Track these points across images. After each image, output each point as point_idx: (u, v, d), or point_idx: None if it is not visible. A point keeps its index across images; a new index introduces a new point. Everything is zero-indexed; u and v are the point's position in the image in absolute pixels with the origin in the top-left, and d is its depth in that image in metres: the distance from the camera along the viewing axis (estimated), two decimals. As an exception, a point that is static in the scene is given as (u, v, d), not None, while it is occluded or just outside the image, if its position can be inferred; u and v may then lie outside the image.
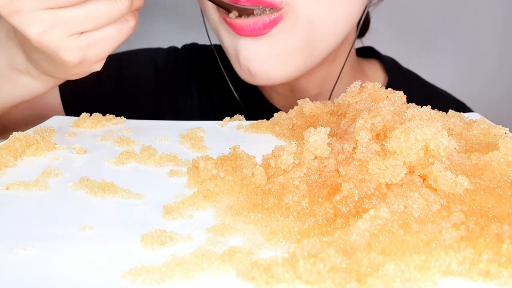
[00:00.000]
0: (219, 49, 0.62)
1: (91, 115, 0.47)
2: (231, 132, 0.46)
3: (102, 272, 0.23)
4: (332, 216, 0.27)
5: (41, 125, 0.45)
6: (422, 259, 0.23)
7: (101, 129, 0.46)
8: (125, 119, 0.48)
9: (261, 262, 0.22)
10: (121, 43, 0.41)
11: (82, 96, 0.65)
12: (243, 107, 0.62)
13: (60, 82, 0.46)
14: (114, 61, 0.68)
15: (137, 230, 0.26)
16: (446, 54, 0.92)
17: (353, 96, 0.41)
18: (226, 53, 0.52)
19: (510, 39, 0.91)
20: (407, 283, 0.21)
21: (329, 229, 0.26)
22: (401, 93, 0.40)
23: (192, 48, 0.70)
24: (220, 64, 0.60)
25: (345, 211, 0.27)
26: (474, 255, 0.23)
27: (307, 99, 0.44)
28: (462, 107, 0.64)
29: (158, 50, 0.70)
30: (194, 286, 0.22)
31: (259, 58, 0.46)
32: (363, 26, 0.58)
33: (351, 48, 0.58)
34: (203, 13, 0.54)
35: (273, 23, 0.45)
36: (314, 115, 0.43)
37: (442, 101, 0.64)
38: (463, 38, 0.91)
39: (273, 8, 0.45)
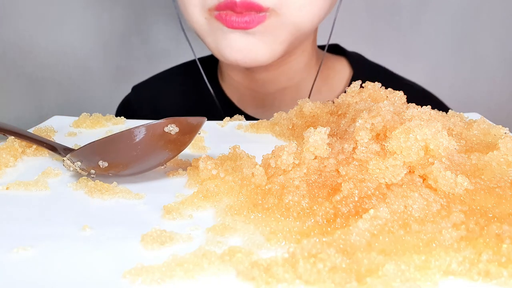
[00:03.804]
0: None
1: (91, 115, 0.47)
2: (231, 132, 0.46)
3: (102, 272, 0.23)
4: (332, 216, 0.27)
5: (41, 125, 0.45)
6: (422, 259, 0.23)
7: (101, 129, 0.46)
8: (125, 119, 0.48)
9: (261, 262, 0.22)
10: None
11: None
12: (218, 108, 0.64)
13: None
14: None
15: (137, 230, 0.26)
16: (446, 54, 0.92)
17: (353, 96, 0.41)
18: (210, 46, 0.54)
19: (510, 39, 0.91)
20: (407, 283, 0.21)
21: (329, 229, 0.26)
22: (401, 93, 0.40)
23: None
24: (198, 63, 0.63)
25: (345, 211, 0.27)
26: (474, 255, 0.23)
27: (307, 98, 0.44)
28: (430, 98, 0.65)
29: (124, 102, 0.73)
30: (194, 286, 0.22)
31: (246, 49, 0.51)
32: None
33: (315, 36, 0.62)
34: (181, 15, 0.56)
35: (258, 21, 0.49)
36: (314, 115, 0.43)
37: (409, 92, 0.66)
38: (463, 38, 0.91)
39: (261, 11, 0.49)
